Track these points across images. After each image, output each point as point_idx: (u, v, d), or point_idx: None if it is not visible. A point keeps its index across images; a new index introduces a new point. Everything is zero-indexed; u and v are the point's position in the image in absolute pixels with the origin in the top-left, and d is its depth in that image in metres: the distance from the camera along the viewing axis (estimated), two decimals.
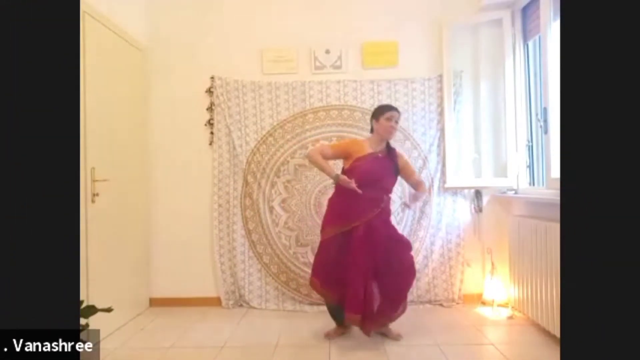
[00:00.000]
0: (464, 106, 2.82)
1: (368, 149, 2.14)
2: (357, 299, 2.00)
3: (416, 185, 2.33)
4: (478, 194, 2.84)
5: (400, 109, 2.67)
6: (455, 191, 2.82)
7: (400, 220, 2.79)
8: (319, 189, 2.81)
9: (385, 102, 2.80)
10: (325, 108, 2.84)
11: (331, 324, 2.31)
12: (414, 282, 2.27)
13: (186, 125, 2.89)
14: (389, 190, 2.18)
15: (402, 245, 2.15)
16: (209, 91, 2.88)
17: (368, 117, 2.70)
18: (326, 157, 2.17)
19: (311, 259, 2.73)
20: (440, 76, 2.79)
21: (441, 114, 2.80)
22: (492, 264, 2.70)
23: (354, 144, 2.20)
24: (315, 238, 2.76)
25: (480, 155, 2.80)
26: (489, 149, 2.79)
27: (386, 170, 2.13)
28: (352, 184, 2.01)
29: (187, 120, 2.89)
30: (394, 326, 2.23)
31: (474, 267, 2.83)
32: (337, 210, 2.14)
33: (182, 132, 2.89)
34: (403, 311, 2.16)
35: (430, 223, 2.79)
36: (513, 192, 2.68)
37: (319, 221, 2.70)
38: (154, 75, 2.91)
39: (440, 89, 2.80)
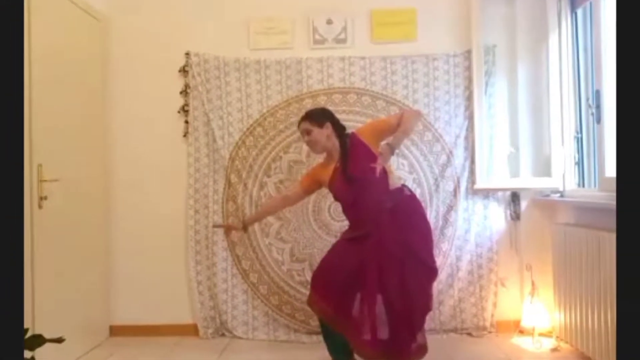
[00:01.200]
0: (498, 89, 2.83)
1: (332, 167, 2.21)
2: (366, 322, 2.03)
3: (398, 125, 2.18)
4: (515, 197, 2.84)
5: (418, 93, 2.75)
6: (487, 194, 2.82)
7: None
8: (320, 190, 2.71)
9: (400, 83, 2.83)
10: (327, 91, 2.84)
11: None
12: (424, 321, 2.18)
13: (155, 113, 2.89)
14: (382, 181, 2.10)
15: (421, 269, 2.11)
16: (183, 71, 2.89)
17: (379, 103, 2.80)
18: (302, 195, 2.37)
19: (309, 277, 2.67)
20: (469, 52, 2.79)
21: (469, 98, 2.79)
22: (533, 283, 2.68)
23: (319, 171, 2.30)
24: (315, 251, 2.79)
25: (517, 149, 2.80)
26: (528, 141, 2.79)
27: (361, 169, 2.12)
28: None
29: (156, 106, 2.89)
30: None
31: (510, 287, 2.83)
32: (352, 218, 2.25)
33: (150, 121, 2.90)
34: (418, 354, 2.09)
35: (456, 233, 2.80)
36: (558, 194, 2.69)
37: (320, 231, 2.78)
38: (116, 51, 2.92)
39: (469, 68, 2.79)
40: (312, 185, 2.32)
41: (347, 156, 2.14)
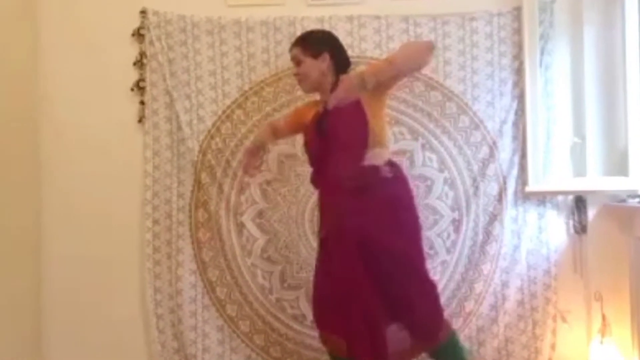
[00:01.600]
0: (557, 59, 2.62)
1: (315, 110, 2.16)
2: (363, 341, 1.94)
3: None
4: (580, 203, 2.61)
5: (451, 64, 2.70)
6: (543, 199, 2.62)
7: (452, 245, 2.57)
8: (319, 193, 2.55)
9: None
10: None
11: None
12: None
13: (100, 92, 2.69)
14: (357, 151, 1.98)
15: (414, 281, 2.00)
16: (138, 34, 2.66)
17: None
18: (279, 134, 2.35)
19: (306, 309, 2.60)
20: (518, 10, 2.57)
21: (519, 72, 2.59)
22: (603, 318, 2.48)
23: (307, 109, 2.24)
24: (312, 275, 2.54)
25: (583, 139, 2.60)
26: (598, 129, 2.60)
27: (337, 122, 1.99)
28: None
29: (101, 82, 2.70)
30: None
31: (574, 323, 2.60)
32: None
33: (93, 102, 2.71)
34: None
35: (502, 251, 2.58)
36: (638, 199, 2.44)
37: (319, 248, 2.57)
38: (48, 10, 2.70)
39: (518, 31, 2.58)
40: (294, 124, 2.28)
41: (329, 98, 2.05)
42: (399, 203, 2.03)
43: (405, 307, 1.97)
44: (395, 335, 1.96)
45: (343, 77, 1.98)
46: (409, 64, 2.00)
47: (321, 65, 2.08)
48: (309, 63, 2.09)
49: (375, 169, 1.99)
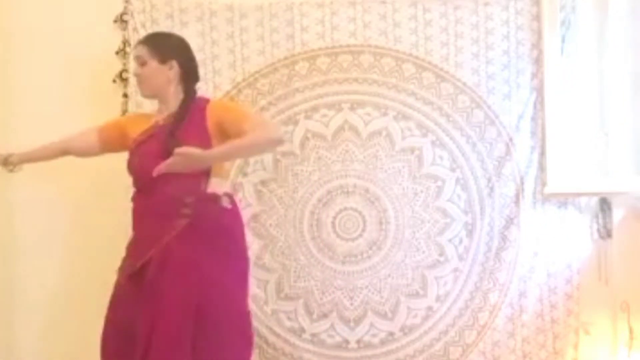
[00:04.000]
0: (580, 47, 2.61)
1: (149, 121, 2.09)
2: None
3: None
4: (605, 205, 2.58)
5: (464, 53, 2.67)
6: (564, 201, 2.59)
7: (465, 252, 2.54)
8: (320, 195, 2.60)
9: (438, 39, 2.61)
10: (330, 50, 2.62)
11: None
12: None
13: (78, 82, 2.64)
14: (198, 178, 1.99)
15: (232, 296, 2.02)
16: (121, 21, 2.60)
17: (407, 67, 2.67)
18: (96, 145, 2.22)
19: (304, 322, 2.56)
20: None
21: (539, 61, 2.56)
22: (631, 330, 2.44)
23: (132, 120, 2.22)
24: (313, 284, 2.61)
25: (608, 135, 2.59)
26: (626, 124, 2.58)
27: (163, 146, 1.96)
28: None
29: (81, 72, 2.64)
30: None
31: (598, 336, 2.55)
32: (132, 236, 2.11)
33: (72, 93, 2.65)
34: None
35: (519, 258, 2.55)
36: None
37: (320, 255, 2.63)
38: None
39: (537, 17, 2.55)
40: (112, 135, 2.17)
41: (182, 119, 2.02)
42: (232, 235, 2.07)
43: (214, 345, 1.95)
44: None
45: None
46: (256, 149, 2.12)
47: (168, 72, 2.05)
48: (154, 66, 2.04)
49: (215, 197, 2.02)
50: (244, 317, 2.07)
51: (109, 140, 2.17)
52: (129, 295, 1.97)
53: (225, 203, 2.04)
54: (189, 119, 2.02)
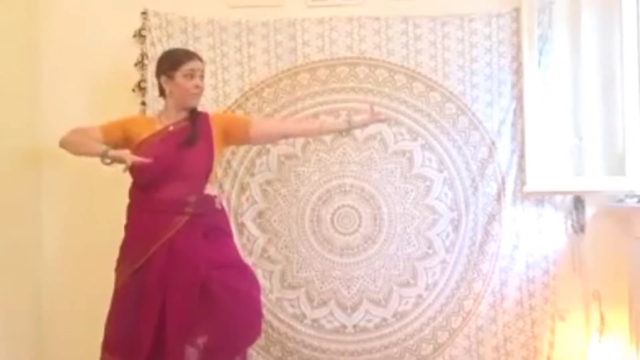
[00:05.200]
0: (556, 60, 2.68)
1: (156, 126, 2.18)
2: None
3: (284, 133, 2.43)
4: (579, 203, 2.68)
5: (450, 65, 2.68)
6: (541, 199, 2.68)
7: (452, 245, 2.67)
8: (320, 194, 2.71)
9: (427, 52, 2.71)
10: (329, 63, 2.72)
11: None
12: (258, 336, 2.29)
13: (101, 92, 2.75)
14: (200, 181, 2.14)
15: (240, 273, 2.18)
16: (139, 36, 2.72)
17: (399, 78, 2.74)
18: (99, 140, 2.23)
19: (306, 308, 2.68)
20: (517, 11, 2.65)
21: (518, 72, 2.66)
22: (602, 317, 2.55)
23: (134, 123, 2.27)
24: (314, 275, 2.72)
25: (582, 139, 2.66)
26: (597, 129, 2.66)
27: (183, 150, 2.11)
28: (131, 157, 2.00)
29: (103, 82, 2.76)
30: None
31: (572, 322, 2.66)
32: (128, 232, 2.18)
33: (94, 101, 2.76)
34: None
35: (501, 251, 2.65)
36: (635, 199, 2.50)
37: (320, 248, 2.72)
38: (49, 9, 2.78)
39: (517, 33, 2.65)
40: (114, 135, 2.20)
41: (198, 127, 2.17)
42: (224, 230, 2.21)
43: (218, 320, 2.05)
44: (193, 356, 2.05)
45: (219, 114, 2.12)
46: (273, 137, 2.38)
47: None
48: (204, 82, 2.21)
49: (212, 199, 2.16)
50: (247, 269, 2.22)
51: (113, 139, 2.17)
52: (132, 292, 2.06)
53: (218, 204, 2.21)
54: (200, 127, 2.16)
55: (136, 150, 2.09)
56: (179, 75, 2.13)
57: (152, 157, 2.03)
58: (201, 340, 2.05)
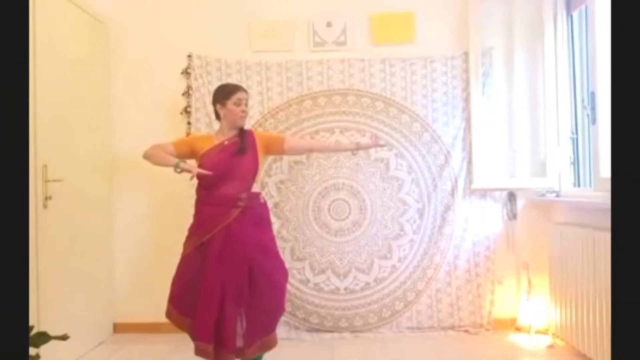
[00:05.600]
0: (495, 90, 2.84)
1: (214, 141, 2.22)
2: (206, 324, 2.04)
3: (309, 148, 2.55)
4: (512, 197, 2.85)
5: (417, 95, 2.77)
6: (484, 194, 2.83)
7: (417, 228, 2.82)
8: (320, 190, 2.84)
9: (399, 85, 2.84)
10: (327, 93, 2.86)
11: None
12: (282, 314, 2.27)
13: (157, 114, 2.89)
14: (249, 182, 2.19)
15: (274, 261, 2.21)
16: (186, 72, 2.90)
17: (378, 104, 2.80)
18: (172, 154, 2.25)
19: (310, 275, 2.80)
20: (466, 54, 2.80)
21: (467, 100, 2.81)
22: (529, 281, 2.71)
23: (198, 140, 2.31)
24: (315, 250, 2.82)
25: (514, 150, 2.82)
26: (526, 142, 2.82)
27: (235, 158, 2.16)
28: (196, 169, 2.06)
29: (159, 107, 2.90)
30: None
31: (507, 285, 2.84)
32: (195, 219, 2.22)
33: (153, 121, 2.89)
34: (264, 348, 2.15)
35: (454, 232, 2.81)
36: (554, 194, 2.70)
37: (320, 231, 2.80)
38: (118, 53, 2.93)
39: (466, 70, 2.81)
40: (183, 149, 2.26)
41: (246, 136, 2.23)
42: (267, 219, 2.26)
43: (262, 294, 2.10)
44: (240, 326, 2.08)
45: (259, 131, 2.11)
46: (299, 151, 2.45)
47: None
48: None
49: (257, 195, 2.23)
50: (279, 257, 2.27)
51: (182, 152, 2.23)
52: (194, 261, 2.11)
53: (262, 199, 2.27)
54: (246, 140, 2.22)
55: (200, 159, 2.16)
56: (230, 103, 2.19)
57: (212, 164, 2.10)
58: (243, 311, 2.11)
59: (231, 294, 2.07)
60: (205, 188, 2.18)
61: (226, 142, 2.21)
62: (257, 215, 2.19)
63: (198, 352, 2.06)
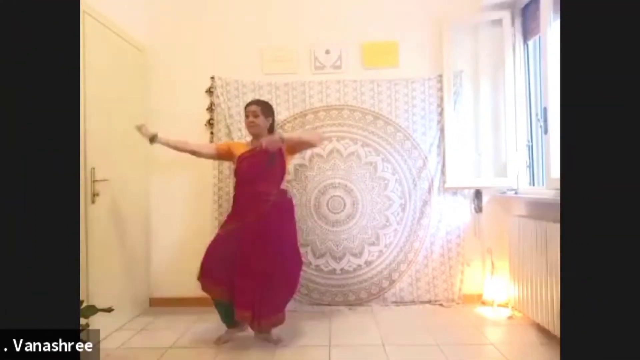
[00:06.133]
0: (464, 106, 2.82)
1: (248, 147, 2.22)
2: (246, 294, 2.03)
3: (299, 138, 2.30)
4: (478, 194, 2.83)
5: (400, 109, 2.75)
6: (456, 191, 2.82)
7: (400, 220, 2.80)
8: (319, 188, 2.82)
9: (385, 101, 2.82)
10: (325, 108, 2.84)
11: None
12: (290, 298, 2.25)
13: (186, 125, 2.85)
14: (278, 182, 2.18)
15: (291, 250, 2.18)
16: (209, 91, 2.87)
17: (368, 117, 2.78)
18: (213, 154, 2.32)
19: (311, 258, 2.77)
20: (441, 76, 2.78)
21: (441, 114, 2.79)
22: (492, 263, 2.70)
23: (236, 145, 2.30)
24: (315, 238, 2.79)
25: (480, 155, 2.81)
26: (489, 148, 2.80)
27: (264, 163, 2.13)
28: (149, 133, 2.09)
29: (187, 120, 2.86)
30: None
31: (474, 267, 2.82)
32: (233, 209, 2.21)
33: (182, 131, 2.75)
34: (278, 322, 2.13)
35: (430, 223, 2.80)
36: (513, 192, 2.68)
37: (320, 222, 2.77)
38: (154, 75, 2.90)
39: (441, 89, 2.79)
40: (224, 151, 2.28)
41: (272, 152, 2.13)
42: (292, 212, 2.24)
43: (279, 277, 2.07)
44: (259, 304, 2.05)
45: (274, 134, 2.07)
46: (308, 141, 2.20)
47: (267, 123, 2.22)
48: (261, 119, 2.18)
49: (285, 191, 2.23)
50: (296, 247, 2.26)
51: (222, 154, 2.29)
52: (228, 242, 2.10)
53: (289, 195, 2.28)
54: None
55: (237, 159, 2.18)
56: (245, 117, 2.23)
57: (243, 166, 2.15)
58: (266, 287, 2.06)
59: (259, 271, 2.05)
60: (241, 185, 2.18)
61: (257, 148, 2.13)
62: (283, 209, 2.19)
63: (238, 316, 2.07)
